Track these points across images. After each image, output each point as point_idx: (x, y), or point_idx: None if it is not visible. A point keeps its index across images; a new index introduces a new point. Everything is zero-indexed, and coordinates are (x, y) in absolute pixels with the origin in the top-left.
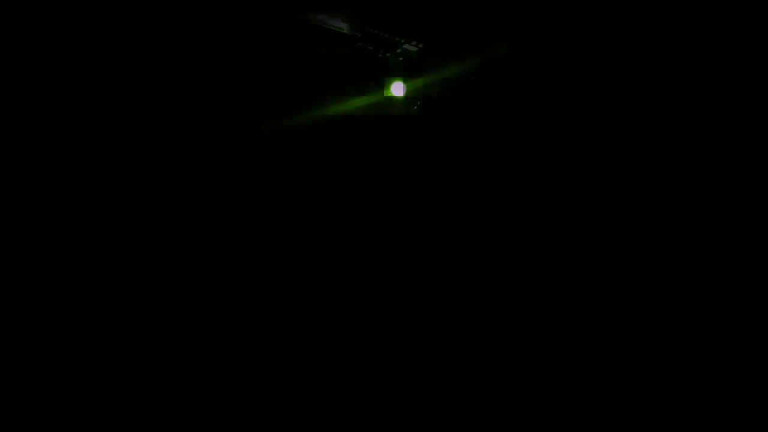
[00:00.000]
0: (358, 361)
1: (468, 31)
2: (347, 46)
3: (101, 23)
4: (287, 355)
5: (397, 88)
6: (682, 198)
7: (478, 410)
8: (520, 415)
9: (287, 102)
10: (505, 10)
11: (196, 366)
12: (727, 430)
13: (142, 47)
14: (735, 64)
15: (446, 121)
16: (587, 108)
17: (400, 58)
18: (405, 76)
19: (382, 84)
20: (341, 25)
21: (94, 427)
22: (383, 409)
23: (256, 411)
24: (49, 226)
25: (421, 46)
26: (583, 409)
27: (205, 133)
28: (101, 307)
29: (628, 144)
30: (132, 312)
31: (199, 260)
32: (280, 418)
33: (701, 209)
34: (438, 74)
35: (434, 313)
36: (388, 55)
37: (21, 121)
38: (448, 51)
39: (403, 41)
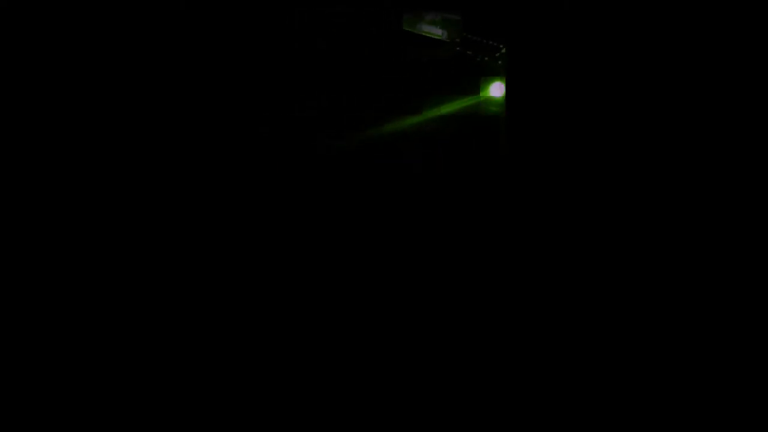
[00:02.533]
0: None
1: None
2: (447, 51)
3: (102, 23)
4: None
5: (496, 89)
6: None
7: (479, 410)
8: (520, 415)
9: (391, 104)
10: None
11: (195, 366)
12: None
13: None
14: (735, 65)
15: (543, 122)
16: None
17: (499, 62)
18: (503, 77)
19: (480, 85)
20: (439, 33)
21: (94, 427)
22: (383, 408)
23: (255, 411)
24: (45, 226)
25: None
26: (583, 409)
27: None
28: (100, 306)
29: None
30: (131, 311)
31: (214, 260)
32: (278, 418)
33: (705, 210)
34: (535, 76)
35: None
36: (486, 59)
37: (20, 121)
38: (544, 54)
39: (501, 45)
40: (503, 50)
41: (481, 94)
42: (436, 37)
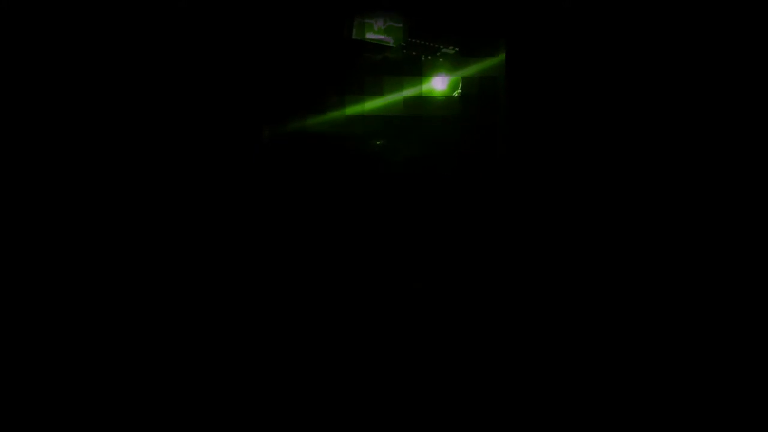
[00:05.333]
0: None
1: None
2: (395, 53)
3: (101, 23)
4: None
5: (438, 83)
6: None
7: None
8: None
9: (352, 98)
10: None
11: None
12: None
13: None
14: (735, 65)
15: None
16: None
17: (440, 59)
18: (445, 74)
19: (426, 80)
20: (388, 40)
21: (94, 427)
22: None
23: (254, 411)
24: (47, 227)
25: (457, 49)
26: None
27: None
28: (100, 307)
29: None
30: (131, 312)
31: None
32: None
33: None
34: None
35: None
36: (429, 57)
37: (21, 121)
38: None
39: (441, 47)
40: (442, 49)
41: (426, 86)
42: (385, 44)
